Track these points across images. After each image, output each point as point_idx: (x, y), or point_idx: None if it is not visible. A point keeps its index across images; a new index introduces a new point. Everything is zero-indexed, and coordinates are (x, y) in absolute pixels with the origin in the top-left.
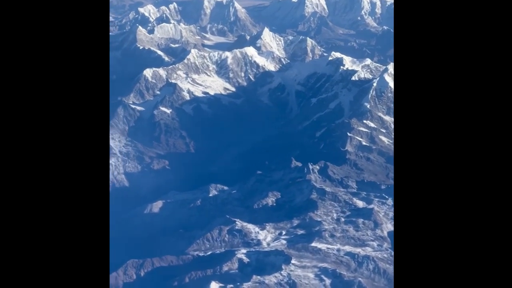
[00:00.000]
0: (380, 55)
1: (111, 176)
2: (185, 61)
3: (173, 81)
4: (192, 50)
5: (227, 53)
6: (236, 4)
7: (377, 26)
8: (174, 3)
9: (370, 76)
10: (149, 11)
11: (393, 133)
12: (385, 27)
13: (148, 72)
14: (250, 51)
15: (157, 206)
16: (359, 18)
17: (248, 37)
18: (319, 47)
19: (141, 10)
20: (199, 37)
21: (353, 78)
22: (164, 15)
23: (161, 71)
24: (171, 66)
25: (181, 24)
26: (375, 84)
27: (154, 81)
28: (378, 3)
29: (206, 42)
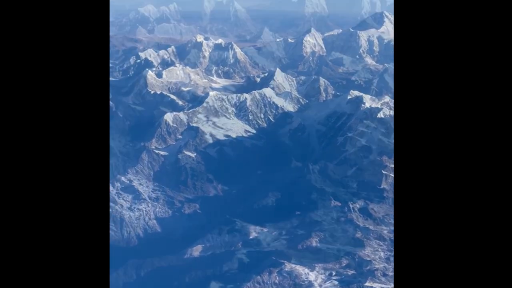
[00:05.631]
0: (388, 92)
1: (142, 222)
2: (204, 104)
3: (194, 124)
4: (211, 93)
5: (246, 95)
6: (235, 46)
7: (376, 64)
8: (173, 46)
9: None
10: (150, 54)
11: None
12: (386, 65)
13: (168, 117)
14: (268, 92)
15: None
16: (357, 56)
17: (258, 79)
18: (331, 86)
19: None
20: (206, 80)
21: (378, 116)
22: (170, 59)
23: (182, 115)
24: (191, 110)
25: (188, 67)
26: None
27: (175, 125)
28: (376, 41)
29: (214, 85)
